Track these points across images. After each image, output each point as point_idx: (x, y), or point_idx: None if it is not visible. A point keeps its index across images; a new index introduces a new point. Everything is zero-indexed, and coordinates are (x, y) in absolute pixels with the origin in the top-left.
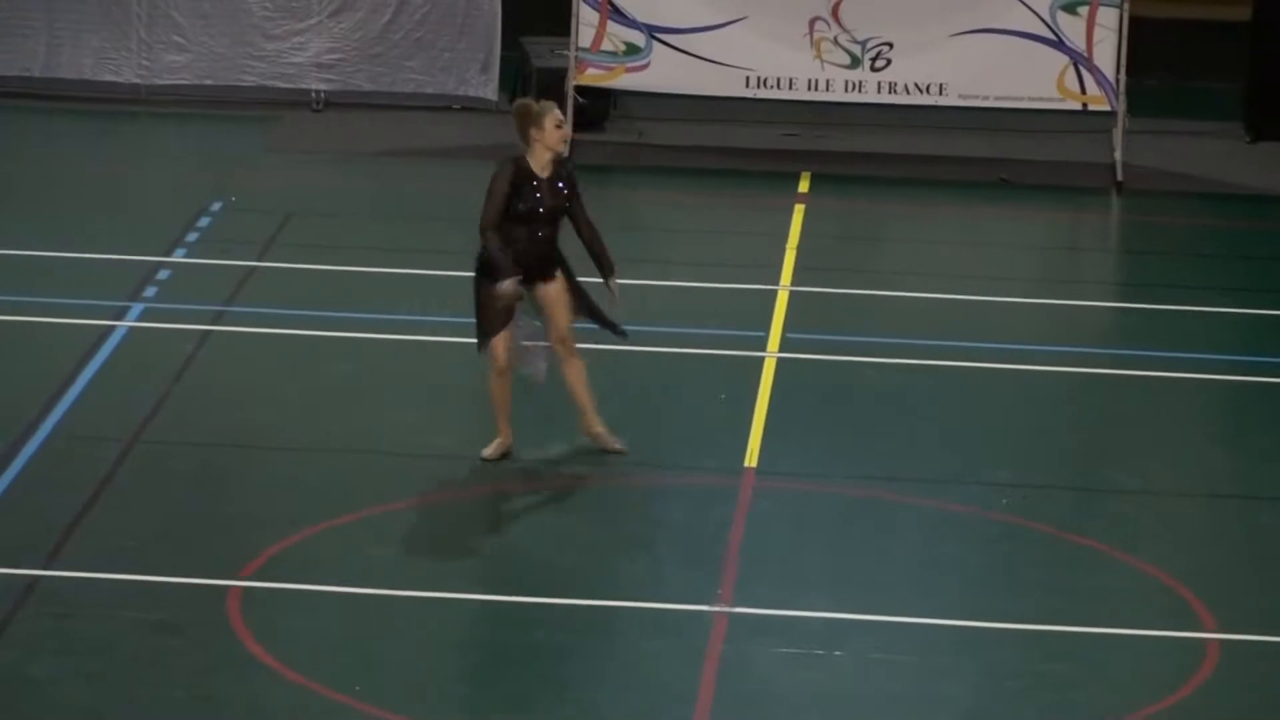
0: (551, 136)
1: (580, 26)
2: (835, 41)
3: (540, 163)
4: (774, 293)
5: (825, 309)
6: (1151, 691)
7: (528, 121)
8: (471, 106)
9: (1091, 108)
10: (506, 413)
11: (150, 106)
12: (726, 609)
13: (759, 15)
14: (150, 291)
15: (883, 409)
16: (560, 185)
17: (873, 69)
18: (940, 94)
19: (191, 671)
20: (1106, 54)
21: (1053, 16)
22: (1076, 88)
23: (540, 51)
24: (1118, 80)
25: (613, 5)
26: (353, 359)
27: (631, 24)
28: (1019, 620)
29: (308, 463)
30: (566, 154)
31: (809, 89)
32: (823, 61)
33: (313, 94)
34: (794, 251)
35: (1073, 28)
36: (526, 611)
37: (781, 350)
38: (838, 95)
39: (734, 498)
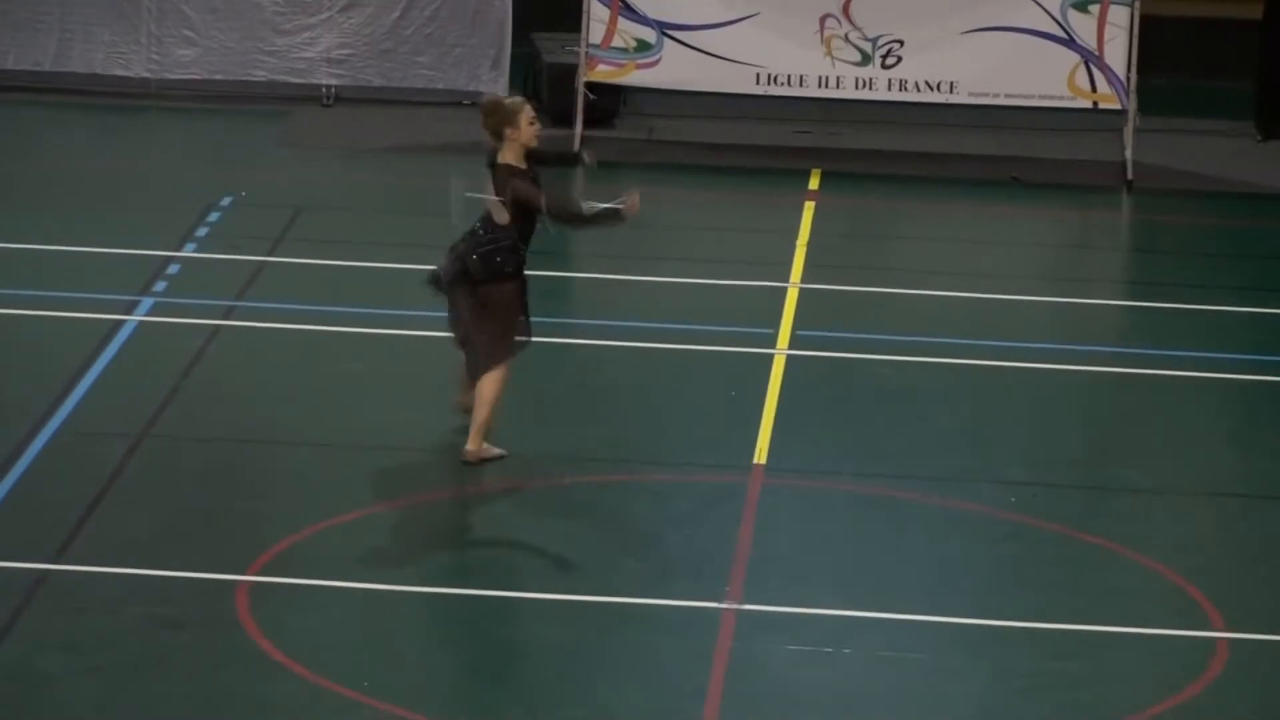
0: (526, 133)
1: (591, 23)
2: (846, 39)
3: (516, 159)
4: (784, 290)
5: (835, 306)
6: (1160, 690)
7: (503, 120)
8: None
9: (1102, 106)
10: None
11: (160, 101)
12: (736, 606)
13: (770, 12)
14: (160, 286)
15: (892, 407)
16: (534, 179)
17: (883, 66)
18: (951, 92)
19: (199, 667)
20: (1117, 52)
21: (1064, 15)
22: (1087, 86)
23: (551, 47)
24: (1128, 79)
25: (624, 2)
26: (362, 355)
27: (642, 20)
28: (1028, 619)
29: (317, 458)
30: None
31: (819, 86)
32: (833, 59)
33: (323, 89)
34: (804, 249)
35: (1084, 26)
36: (536, 608)
37: (791, 347)
38: (848, 92)
39: (743, 495)
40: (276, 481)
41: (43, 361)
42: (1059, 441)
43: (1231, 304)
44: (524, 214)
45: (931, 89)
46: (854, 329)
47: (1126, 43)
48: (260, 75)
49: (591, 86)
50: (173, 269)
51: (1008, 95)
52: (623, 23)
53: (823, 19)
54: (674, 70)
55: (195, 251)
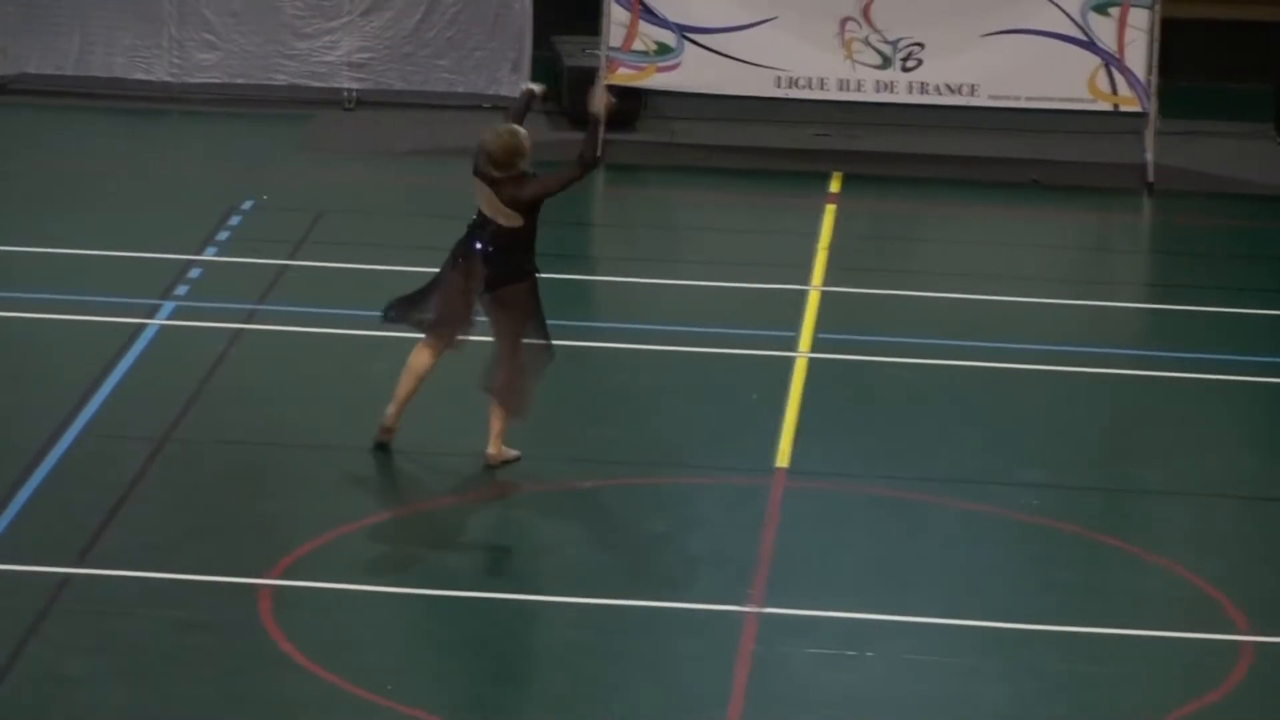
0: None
1: (611, 26)
2: (866, 42)
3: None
4: (805, 293)
5: (856, 309)
6: (1182, 694)
7: (521, 155)
8: (503, 106)
9: (1123, 109)
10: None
11: (181, 105)
12: (758, 609)
13: (790, 15)
14: (182, 290)
15: (913, 409)
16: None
17: (904, 69)
18: (971, 94)
19: (222, 670)
20: (1138, 55)
21: (1084, 17)
22: (1108, 88)
23: (571, 51)
24: (1149, 81)
25: (644, 5)
26: (384, 358)
27: (663, 23)
28: (1048, 622)
29: (339, 461)
30: None
31: (840, 89)
32: (854, 62)
33: (344, 93)
34: (825, 251)
35: (1104, 28)
36: (558, 611)
37: (813, 350)
38: (869, 95)
39: (765, 498)
40: (298, 485)
41: (65, 365)
42: (1079, 444)
43: (1252, 306)
44: (533, 213)
45: (952, 92)
46: (875, 332)
47: (1147, 45)
48: (281, 79)
49: (612, 89)
50: (194, 273)
51: (1028, 98)
52: (643, 26)
53: (843, 22)
54: (694, 73)
55: (217, 255)
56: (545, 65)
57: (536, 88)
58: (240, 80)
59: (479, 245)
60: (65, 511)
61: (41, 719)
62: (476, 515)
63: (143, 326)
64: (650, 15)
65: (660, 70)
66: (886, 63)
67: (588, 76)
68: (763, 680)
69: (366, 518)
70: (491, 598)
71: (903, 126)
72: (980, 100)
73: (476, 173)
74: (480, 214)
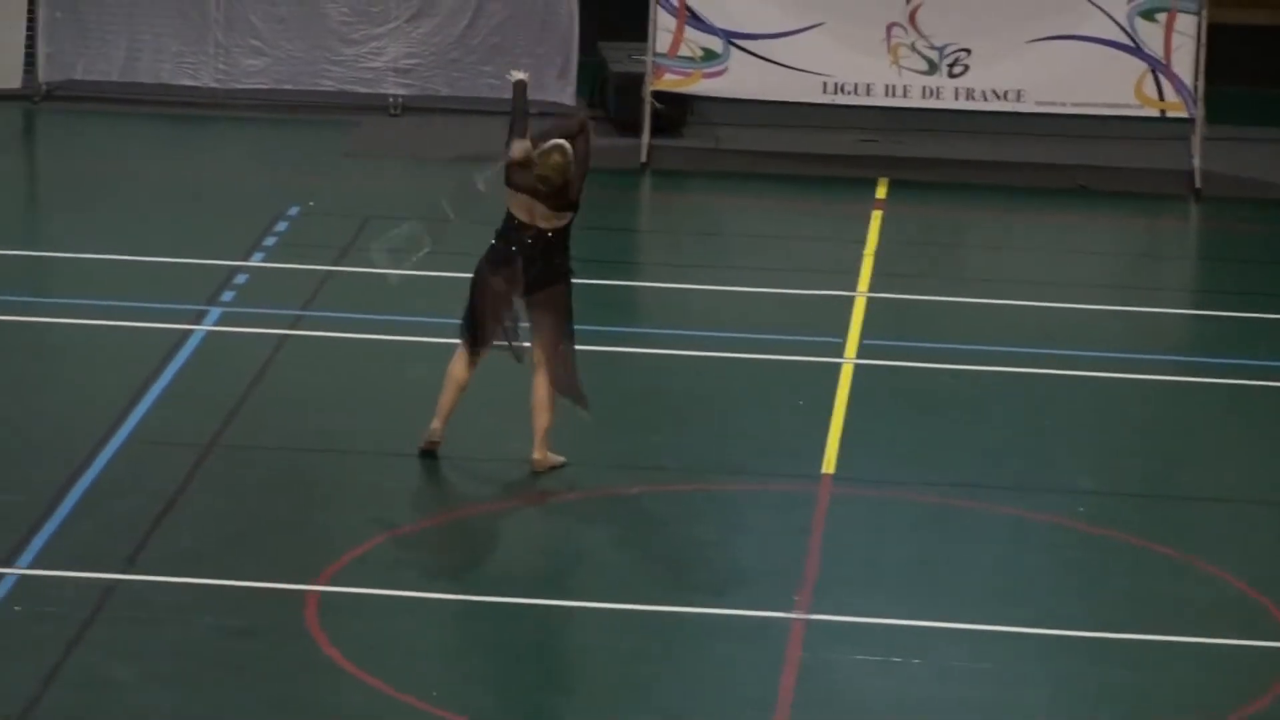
0: None
1: (658, 32)
2: (913, 48)
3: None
4: (851, 299)
5: (903, 315)
6: (1228, 700)
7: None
8: (549, 111)
9: (1170, 114)
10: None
11: (228, 111)
12: (804, 616)
13: (836, 21)
14: (228, 295)
15: (960, 416)
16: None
17: (950, 75)
18: (1018, 100)
19: (269, 676)
20: (1185, 61)
21: (1131, 23)
22: (1155, 94)
23: (618, 57)
24: (1196, 87)
25: (690, 11)
26: (430, 363)
27: (709, 30)
28: (1096, 629)
29: (385, 467)
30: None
31: (886, 95)
32: (900, 68)
33: (390, 99)
34: (871, 257)
35: (1151, 34)
36: (604, 617)
37: (859, 356)
38: (915, 101)
39: (812, 504)
40: (345, 491)
41: (111, 371)
42: (1127, 451)
43: None
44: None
45: (998, 98)
46: (922, 338)
47: (1194, 51)
48: (328, 85)
49: (658, 96)
50: (241, 278)
51: (1075, 104)
52: (689, 32)
53: (889, 28)
54: (740, 79)
55: (263, 261)
56: (591, 71)
57: (524, 75)
58: (286, 86)
59: (517, 250)
60: (112, 518)
61: None
62: (522, 521)
63: (189, 332)
64: (697, 21)
65: (706, 76)
66: (933, 69)
67: (634, 82)
68: (809, 686)
69: (412, 523)
70: (537, 603)
71: (949, 132)
72: (1027, 106)
73: (511, 184)
74: (513, 220)
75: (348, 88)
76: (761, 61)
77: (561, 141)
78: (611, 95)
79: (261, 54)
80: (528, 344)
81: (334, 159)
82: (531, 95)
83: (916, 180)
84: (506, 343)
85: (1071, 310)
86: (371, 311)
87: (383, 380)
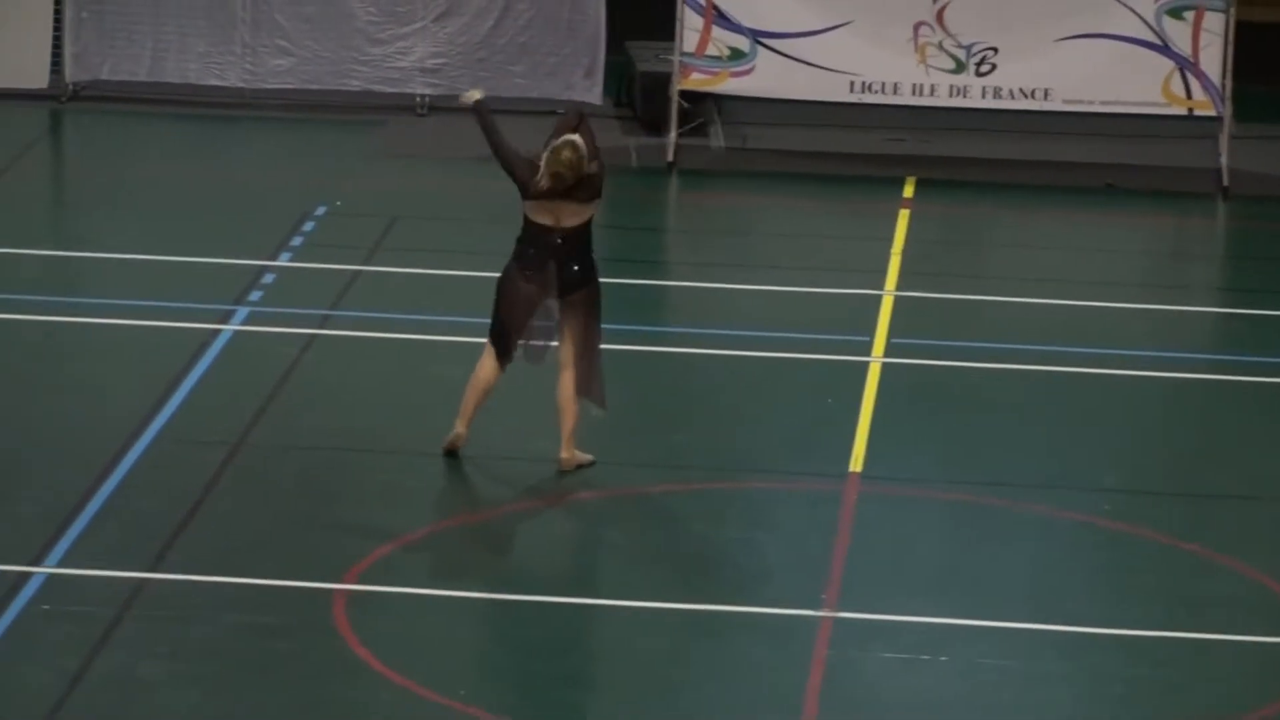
0: None
1: (685, 31)
2: (940, 46)
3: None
4: (879, 298)
5: (930, 314)
6: (1257, 698)
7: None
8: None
9: (1197, 113)
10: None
11: (255, 111)
12: (832, 614)
13: (863, 20)
14: (255, 295)
15: (988, 414)
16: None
17: (977, 74)
18: (1045, 99)
19: (298, 675)
20: (1212, 59)
21: (1158, 21)
22: (1182, 93)
23: (645, 56)
24: (1224, 85)
25: (717, 10)
26: (458, 363)
27: (736, 29)
28: (1125, 626)
29: (413, 467)
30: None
31: (913, 94)
32: (927, 66)
33: (417, 98)
34: (899, 256)
35: (1178, 33)
36: (631, 615)
37: (886, 355)
38: (942, 100)
39: (839, 502)
40: (372, 489)
41: (140, 370)
42: (1155, 449)
43: None
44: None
45: (1026, 96)
46: (949, 336)
47: (1221, 49)
48: (355, 85)
49: (685, 95)
50: (268, 278)
51: (1103, 102)
52: (716, 31)
53: (917, 26)
54: (767, 78)
55: (290, 261)
56: (618, 71)
57: (480, 94)
58: (313, 86)
59: (549, 253)
60: (140, 517)
61: None
62: (548, 520)
63: (217, 332)
64: (724, 20)
65: (734, 75)
66: (960, 67)
67: (661, 82)
68: (836, 685)
69: (439, 522)
70: (565, 602)
71: (976, 131)
72: (1054, 105)
73: (537, 195)
74: (535, 227)
75: (374, 87)
76: (789, 61)
77: (569, 137)
78: (638, 94)
79: (288, 54)
80: (552, 343)
81: (361, 159)
82: (558, 94)
83: (944, 179)
84: (529, 341)
85: (1099, 309)
86: (399, 311)
87: (410, 380)
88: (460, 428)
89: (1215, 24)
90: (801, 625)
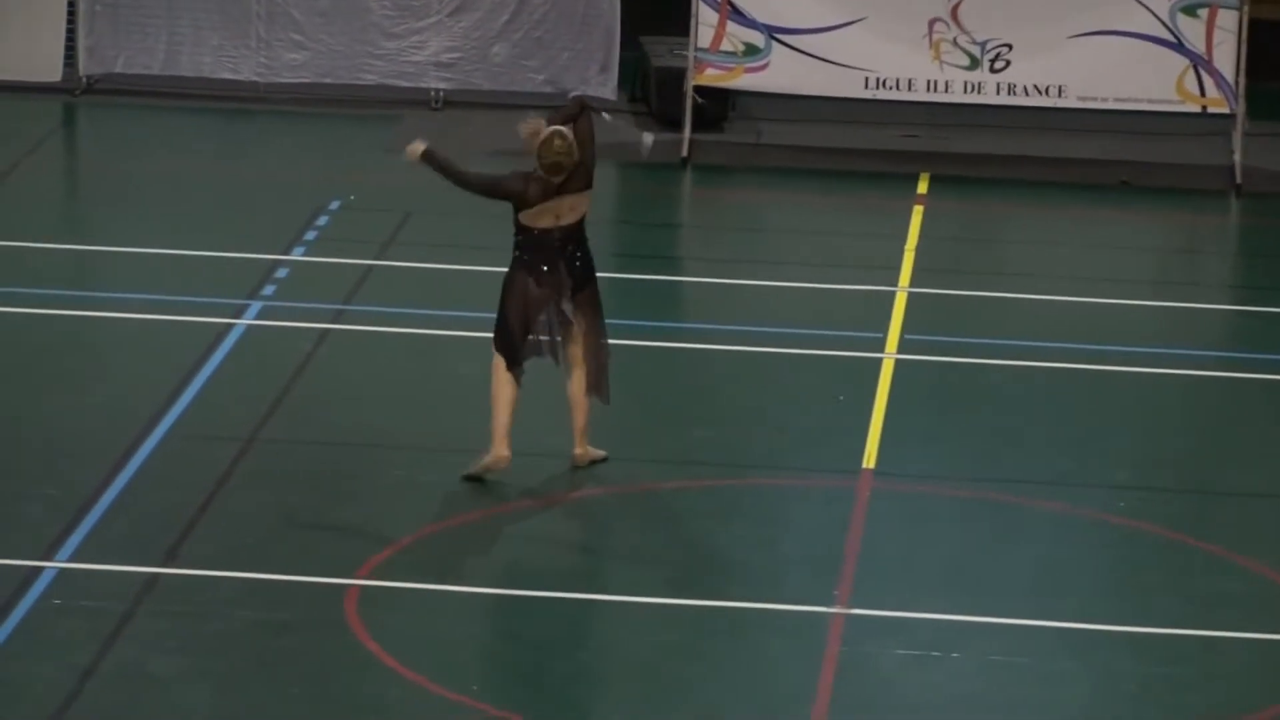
0: None
1: (700, 27)
2: (954, 43)
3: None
4: (892, 294)
5: (944, 310)
6: (1269, 696)
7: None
8: (593, 107)
9: (1211, 110)
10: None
11: (269, 105)
12: (844, 610)
13: (878, 16)
14: (269, 290)
15: (1001, 411)
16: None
17: (992, 70)
18: (1059, 96)
19: (309, 671)
20: (1226, 56)
21: (1172, 19)
22: (1196, 90)
23: (659, 51)
24: (1237, 82)
25: (732, 5)
26: (472, 358)
27: (751, 24)
28: (1137, 623)
29: (426, 462)
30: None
31: (928, 90)
32: (942, 63)
33: (432, 93)
34: (912, 253)
35: (1192, 30)
36: (643, 612)
37: (900, 352)
38: (957, 96)
39: (852, 499)
40: (384, 485)
41: (153, 365)
42: (1167, 446)
43: None
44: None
45: (1040, 93)
46: (963, 333)
47: (1235, 47)
48: (369, 79)
49: (700, 90)
50: (281, 273)
51: (1116, 99)
52: (731, 26)
53: (931, 23)
54: (782, 74)
55: (304, 255)
56: (632, 66)
57: (423, 145)
58: (328, 80)
59: (555, 254)
60: (152, 512)
61: (127, 719)
62: (562, 516)
63: (230, 327)
64: (739, 16)
65: (748, 71)
66: (975, 64)
67: (676, 77)
68: (848, 681)
69: (453, 518)
70: (577, 598)
71: (991, 128)
72: (1068, 101)
73: (539, 198)
74: (534, 233)
75: (389, 82)
76: (803, 56)
77: (554, 128)
78: (653, 90)
79: (302, 48)
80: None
81: (375, 153)
82: (573, 89)
83: (958, 175)
84: (550, 338)
85: (1112, 305)
86: (413, 306)
87: (423, 375)
88: (504, 450)
89: (1229, 21)
90: (814, 621)
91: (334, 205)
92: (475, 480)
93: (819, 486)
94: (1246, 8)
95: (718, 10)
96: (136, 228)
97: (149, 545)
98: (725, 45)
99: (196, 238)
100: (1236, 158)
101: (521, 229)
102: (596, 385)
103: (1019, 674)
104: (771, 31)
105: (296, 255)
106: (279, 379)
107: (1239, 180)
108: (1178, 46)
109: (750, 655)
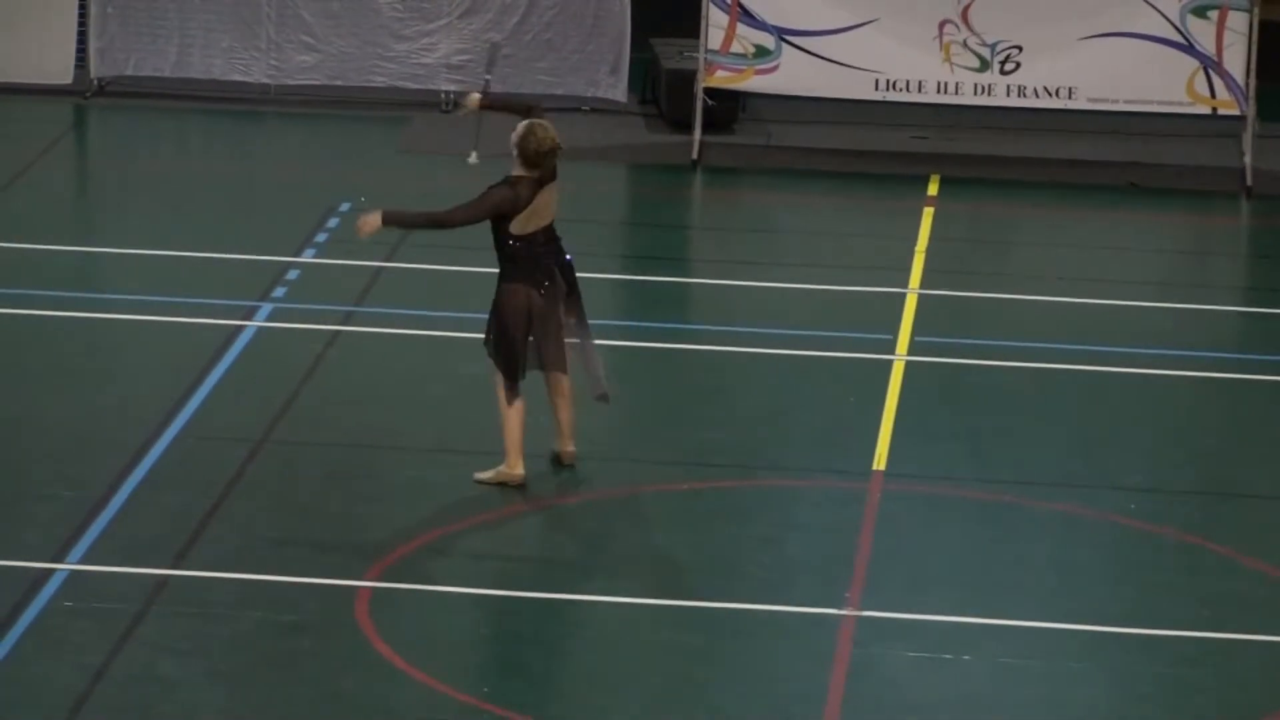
0: None
1: (710, 28)
2: (965, 45)
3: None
4: (903, 296)
5: (954, 312)
6: None
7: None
8: (601, 108)
9: (1221, 112)
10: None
11: (280, 107)
12: (855, 612)
13: (888, 18)
14: (279, 292)
15: (1011, 412)
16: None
17: (1002, 72)
18: (1069, 98)
19: (320, 672)
20: (1236, 58)
21: (1182, 20)
22: (1206, 92)
23: (669, 53)
24: (1247, 84)
25: (742, 7)
26: (481, 360)
27: (761, 26)
28: (1149, 625)
29: (437, 463)
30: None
31: (938, 92)
32: (952, 64)
33: (442, 95)
34: (923, 254)
35: (1202, 32)
36: (654, 613)
37: (910, 353)
38: (967, 98)
39: (863, 501)
40: (395, 486)
41: (164, 366)
42: (1179, 448)
43: None
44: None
45: (1050, 95)
46: (973, 335)
47: (1245, 49)
48: (379, 81)
49: (710, 92)
50: (292, 274)
51: (1126, 101)
52: (741, 28)
53: (942, 25)
54: (792, 76)
55: (315, 257)
56: (643, 68)
57: (376, 216)
58: (338, 82)
59: (549, 260)
60: (163, 513)
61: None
62: (573, 518)
63: (241, 328)
64: (749, 18)
65: (758, 73)
66: (985, 66)
67: (686, 79)
68: (859, 683)
69: (463, 520)
70: (588, 600)
71: (1001, 129)
72: (1078, 103)
73: (529, 197)
74: (523, 240)
75: (399, 84)
76: (814, 58)
77: (530, 120)
78: (663, 92)
79: (313, 50)
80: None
81: (386, 155)
82: (583, 91)
83: (968, 177)
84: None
85: (1122, 307)
86: (423, 308)
87: (433, 377)
88: (520, 469)
89: (1239, 23)
90: (825, 623)
91: (344, 207)
92: (487, 485)
93: (830, 488)
94: (1257, 9)
95: (728, 12)
96: (147, 230)
97: (160, 547)
98: (735, 47)
99: (207, 240)
100: (1247, 159)
101: (512, 240)
102: (597, 387)
103: (1030, 676)
104: (781, 33)
105: (307, 257)
106: (289, 381)
107: (1249, 182)
108: (1188, 48)
109: (761, 657)
